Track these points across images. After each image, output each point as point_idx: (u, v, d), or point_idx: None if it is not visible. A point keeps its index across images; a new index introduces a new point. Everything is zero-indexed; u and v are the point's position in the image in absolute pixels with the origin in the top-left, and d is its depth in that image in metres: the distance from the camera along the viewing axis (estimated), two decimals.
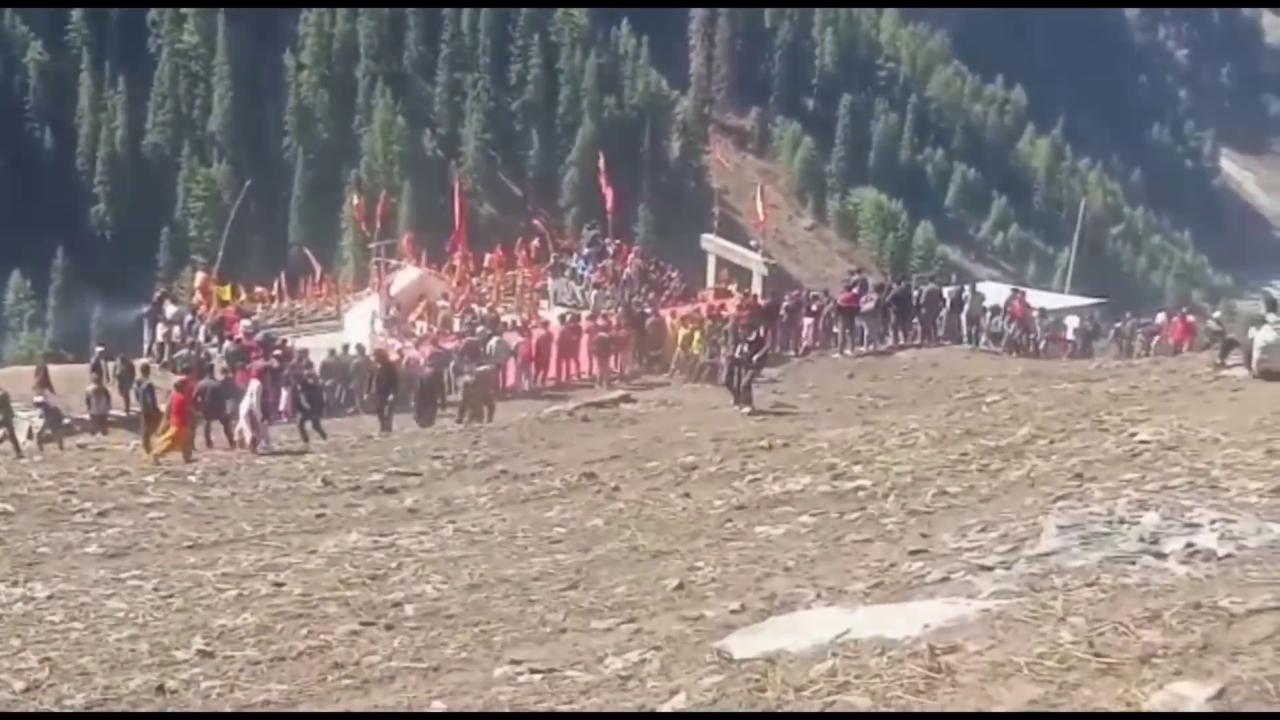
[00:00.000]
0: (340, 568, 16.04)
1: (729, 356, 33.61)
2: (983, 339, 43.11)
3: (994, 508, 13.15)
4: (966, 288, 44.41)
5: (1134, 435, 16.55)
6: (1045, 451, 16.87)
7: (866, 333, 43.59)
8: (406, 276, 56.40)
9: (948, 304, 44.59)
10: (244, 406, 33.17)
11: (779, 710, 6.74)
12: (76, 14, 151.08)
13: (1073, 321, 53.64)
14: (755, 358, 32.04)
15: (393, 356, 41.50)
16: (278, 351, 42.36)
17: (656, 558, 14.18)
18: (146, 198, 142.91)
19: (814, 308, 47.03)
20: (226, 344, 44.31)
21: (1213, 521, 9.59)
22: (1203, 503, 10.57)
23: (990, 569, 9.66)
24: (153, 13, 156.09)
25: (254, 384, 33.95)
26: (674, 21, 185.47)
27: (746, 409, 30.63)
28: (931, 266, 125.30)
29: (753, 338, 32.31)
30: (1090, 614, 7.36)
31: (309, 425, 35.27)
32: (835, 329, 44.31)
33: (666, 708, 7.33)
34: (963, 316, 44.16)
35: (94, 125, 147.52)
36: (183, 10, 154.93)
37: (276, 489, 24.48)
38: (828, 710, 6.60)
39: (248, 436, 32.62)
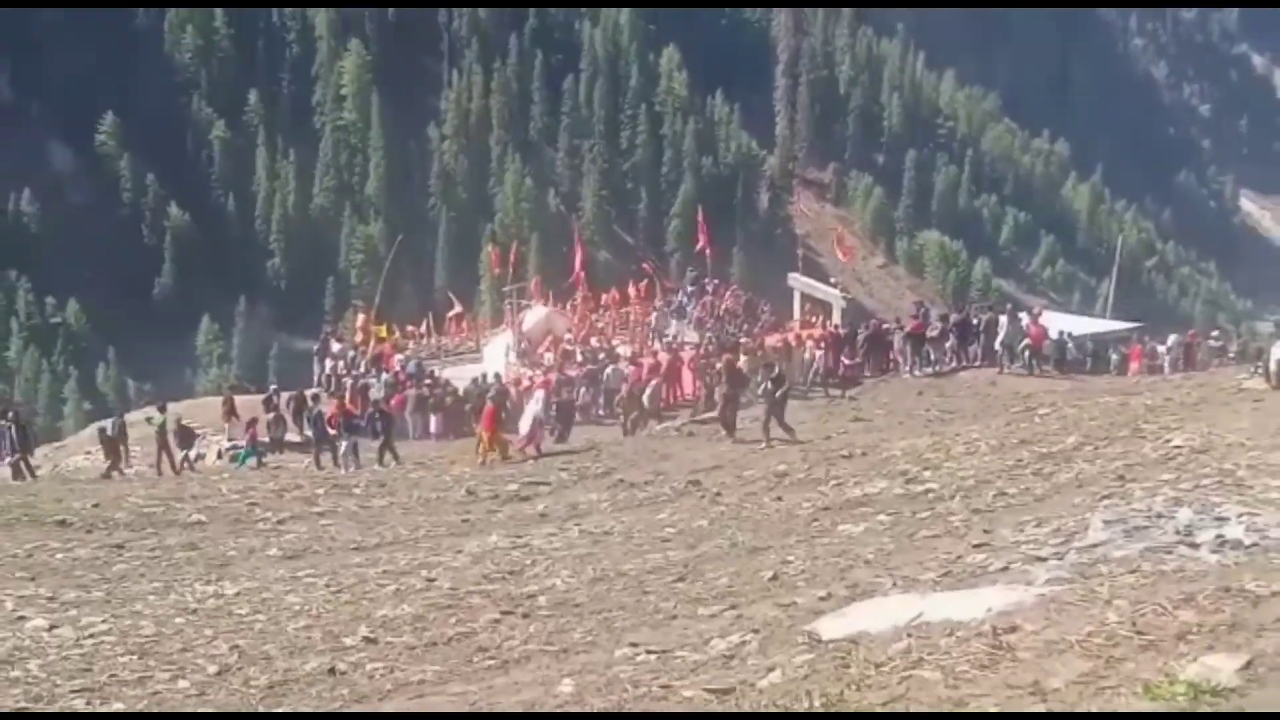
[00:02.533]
0: (483, 565, 16.11)
1: (725, 395, 31.88)
2: (1019, 362, 42.56)
3: (1047, 506, 13.02)
4: (1003, 317, 43.76)
5: (1169, 441, 16.35)
6: (1091, 456, 16.70)
7: (932, 356, 43.36)
8: (535, 315, 56.41)
9: (1002, 329, 44.19)
10: (529, 411, 34.20)
11: (856, 686, 6.73)
12: (253, 97, 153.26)
13: (1170, 340, 52.61)
14: (778, 393, 29.81)
15: (524, 383, 41.71)
16: (428, 381, 42.76)
17: (754, 553, 14.15)
18: (314, 252, 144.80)
19: (888, 336, 46.92)
20: (384, 375, 44.83)
21: (1239, 515, 9.46)
22: (1230, 499, 10.42)
23: (1044, 559, 9.57)
24: (317, 94, 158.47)
25: (539, 394, 35.28)
26: (761, 90, 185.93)
27: (763, 445, 28.15)
28: (988, 297, 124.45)
29: (775, 373, 30.58)
30: (1133, 597, 7.29)
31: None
32: (905, 353, 44.09)
33: (764, 683, 7.31)
34: (997, 343, 43.63)
35: (269, 192, 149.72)
36: (343, 91, 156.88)
37: (428, 498, 24.66)
38: (899, 688, 6.58)
39: (526, 436, 33.78)
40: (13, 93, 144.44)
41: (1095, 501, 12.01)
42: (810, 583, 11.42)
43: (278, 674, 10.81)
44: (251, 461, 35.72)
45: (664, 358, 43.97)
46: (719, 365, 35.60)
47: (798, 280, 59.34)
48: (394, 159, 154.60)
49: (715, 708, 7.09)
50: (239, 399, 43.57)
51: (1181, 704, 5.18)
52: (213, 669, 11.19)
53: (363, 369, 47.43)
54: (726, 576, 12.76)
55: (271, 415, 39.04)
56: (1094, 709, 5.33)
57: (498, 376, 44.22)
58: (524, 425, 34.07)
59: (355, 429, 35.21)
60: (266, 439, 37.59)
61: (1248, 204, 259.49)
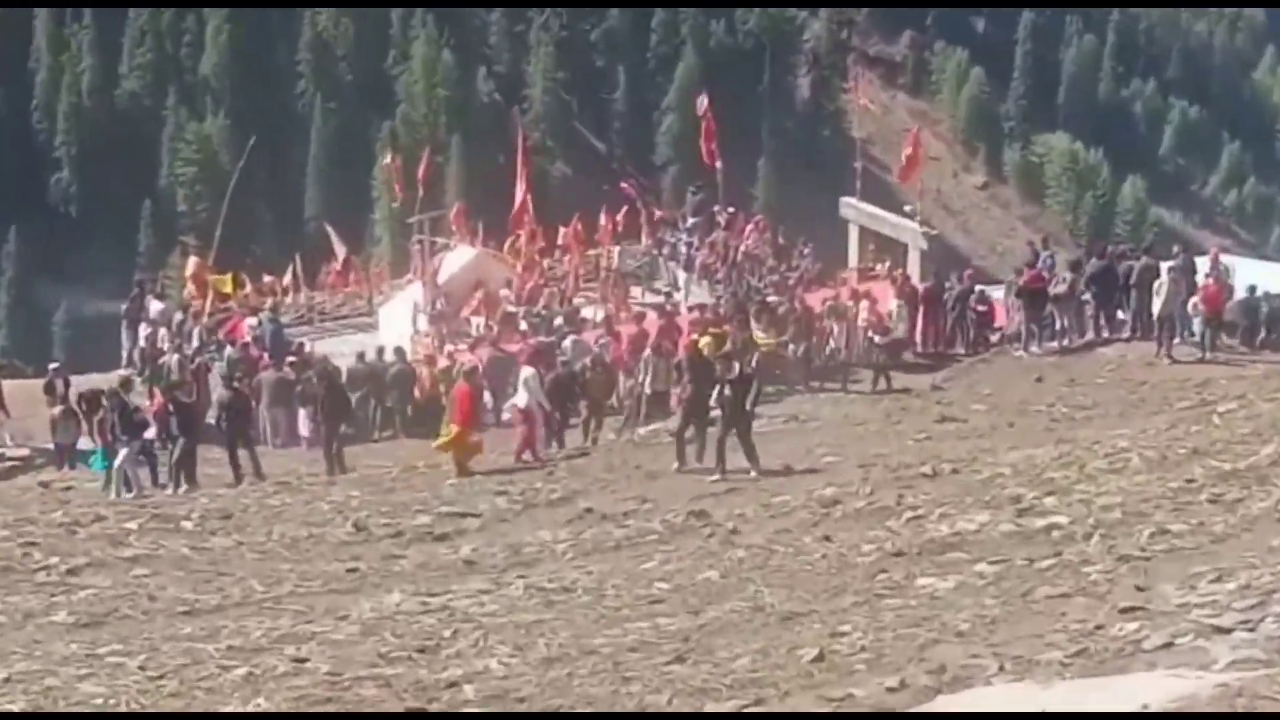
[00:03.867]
0: (379, 638, 16.15)
1: (681, 397, 31.58)
2: (1186, 332, 42.34)
3: (1232, 550, 13.10)
4: (1165, 265, 43.24)
5: None
6: None
7: (1058, 323, 43.31)
8: (458, 259, 56.21)
9: (1161, 287, 43.80)
10: (519, 399, 34.44)
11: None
12: None
13: None
14: (747, 400, 28.88)
15: (441, 362, 41.73)
16: (293, 358, 42.50)
17: (788, 620, 14.22)
18: (122, 162, 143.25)
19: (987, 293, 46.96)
20: (228, 350, 44.56)
21: None
22: None
23: (1228, 631, 9.63)
24: None
25: (527, 371, 35.18)
26: None
27: (715, 477, 27.60)
28: (1143, 235, 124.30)
29: (734, 374, 29.45)
30: None
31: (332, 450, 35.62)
32: (1016, 319, 44.04)
33: None
34: (1154, 307, 43.09)
35: (53, 71, 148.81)
36: None
37: (295, 536, 24.70)
38: None
39: (521, 437, 34.06)
40: None
41: None
42: (874, 665, 11.47)
43: None
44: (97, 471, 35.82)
45: (654, 323, 43.99)
46: (679, 353, 35.23)
47: (855, 208, 59.22)
48: (243, 22, 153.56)
49: None
50: (7, 385, 43.46)
51: None
52: None
53: (196, 341, 47.27)
54: (748, 656, 12.82)
55: (57, 410, 38.90)
56: None
57: (400, 352, 44.13)
58: (513, 417, 34.31)
59: (139, 428, 35.02)
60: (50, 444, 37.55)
61: None
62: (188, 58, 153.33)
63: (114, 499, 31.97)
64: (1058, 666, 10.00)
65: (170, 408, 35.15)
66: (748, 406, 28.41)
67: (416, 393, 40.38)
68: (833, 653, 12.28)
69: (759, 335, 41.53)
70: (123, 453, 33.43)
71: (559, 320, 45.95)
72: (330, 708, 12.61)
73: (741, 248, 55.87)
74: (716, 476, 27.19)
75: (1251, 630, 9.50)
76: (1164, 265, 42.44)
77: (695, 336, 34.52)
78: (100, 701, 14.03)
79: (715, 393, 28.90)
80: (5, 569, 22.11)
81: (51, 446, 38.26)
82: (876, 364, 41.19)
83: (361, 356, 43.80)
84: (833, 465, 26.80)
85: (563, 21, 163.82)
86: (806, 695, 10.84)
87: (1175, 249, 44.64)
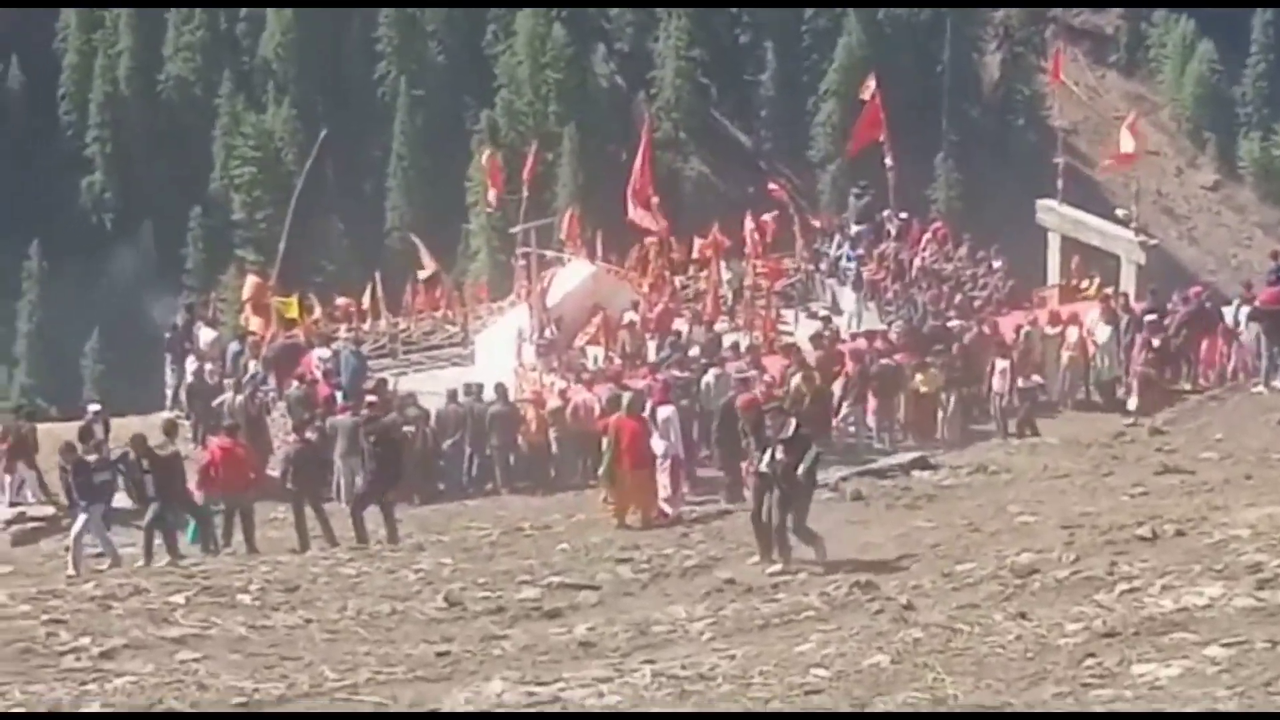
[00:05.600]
0: None
1: (753, 469, 29.21)
2: None
3: None
4: None
5: None
6: None
7: None
8: (571, 276, 56.29)
9: None
10: (656, 446, 35.05)
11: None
12: None
13: None
14: (800, 468, 27.19)
15: (552, 402, 41.86)
16: (372, 398, 42.45)
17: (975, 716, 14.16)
18: (167, 161, 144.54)
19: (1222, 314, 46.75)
20: (292, 387, 44.67)
21: None
22: None
23: None
24: None
25: (666, 410, 36.15)
26: None
27: (776, 565, 26.52)
28: None
29: (789, 433, 27.72)
30: None
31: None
32: (1257, 347, 43.82)
33: None
34: None
35: (84, 53, 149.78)
36: None
37: (375, 613, 24.79)
38: None
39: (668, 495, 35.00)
40: None
41: None
42: None
43: None
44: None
45: (811, 354, 44.02)
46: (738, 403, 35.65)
47: (1056, 212, 59.05)
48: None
49: None
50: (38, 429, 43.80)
51: None
52: None
53: (257, 376, 47.46)
54: None
55: (93, 459, 39.11)
56: None
57: (501, 390, 44.26)
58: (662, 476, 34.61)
59: (99, 492, 35.46)
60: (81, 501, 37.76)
61: None
62: (245, 35, 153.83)
63: (138, 566, 32.19)
64: None
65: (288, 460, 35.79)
66: (799, 474, 26.91)
67: (521, 439, 40.55)
68: None
69: (918, 378, 41.69)
70: (80, 520, 33.42)
71: (695, 350, 45.95)
72: None
73: (916, 261, 55.85)
74: (778, 565, 26.36)
75: None
76: None
77: (749, 394, 34.09)
78: None
79: (766, 457, 27.49)
80: (26, 651, 22.16)
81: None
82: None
83: (454, 395, 44.05)
84: (1029, 526, 26.71)
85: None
86: None
87: None
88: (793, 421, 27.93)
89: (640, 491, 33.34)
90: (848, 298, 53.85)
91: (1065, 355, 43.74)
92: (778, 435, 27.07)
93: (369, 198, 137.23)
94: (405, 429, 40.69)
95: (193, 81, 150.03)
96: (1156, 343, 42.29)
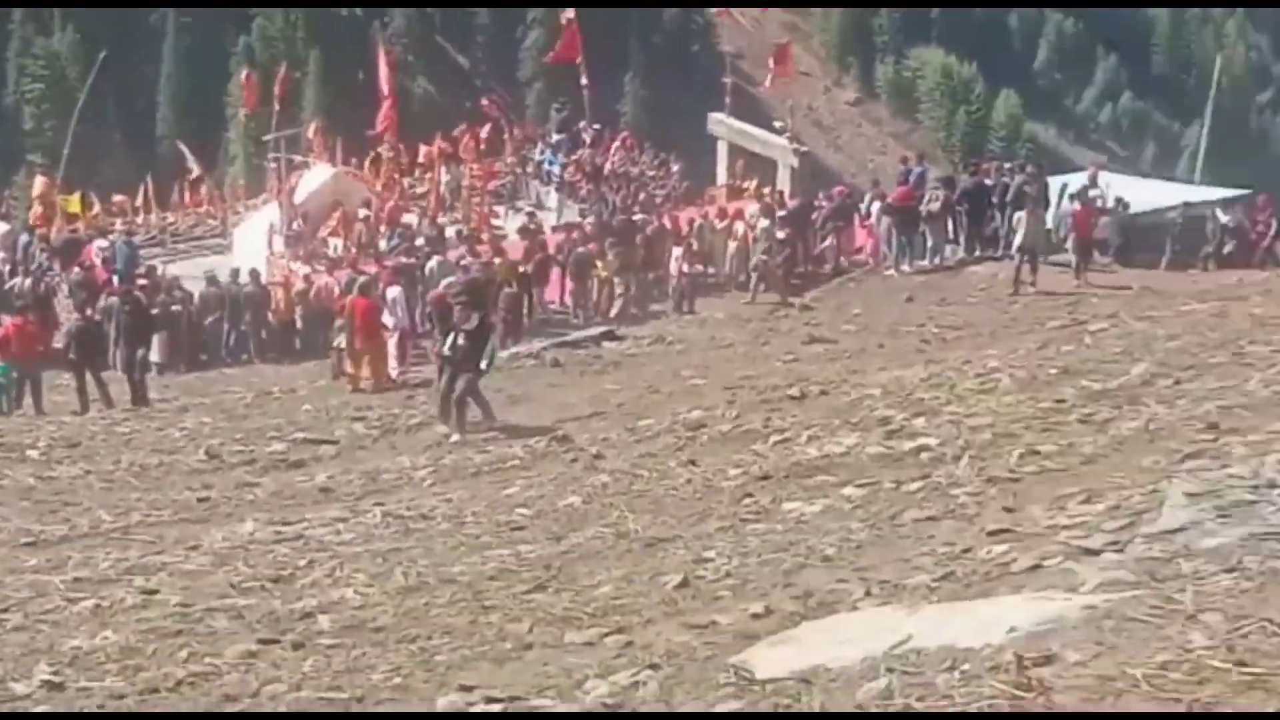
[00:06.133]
0: (231, 568, 16.04)
1: (436, 351, 28.92)
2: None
3: (1101, 471, 13.17)
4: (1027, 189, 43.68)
5: None
6: (1169, 396, 16.90)
7: (930, 241, 43.58)
8: (315, 178, 55.93)
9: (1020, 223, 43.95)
10: (386, 320, 35.37)
11: None
12: None
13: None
14: (477, 352, 26.91)
15: (298, 285, 41.58)
16: (143, 281, 42.08)
17: (652, 547, 14.21)
18: None
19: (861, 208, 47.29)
20: (74, 273, 44.08)
21: None
22: None
23: (1097, 553, 9.68)
24: None
25: (394, 290, 36.33)
26: None
27: (455, 435, 25.94)
28: (1016, 152, 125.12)
29: (473, 324, 27.34)
30: (1230, 609, 7.39)
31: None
32: (888, 237, 44.29)
33: None
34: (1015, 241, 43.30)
35: None
36: None
37: (145, 465, 24.60)
38: None
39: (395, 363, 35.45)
40: None
41: (1174, 464, 12.14)
42: (739, 592, 11.49)
43: None
44: None
45: (519, 244, 43.97)
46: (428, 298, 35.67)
47: (724, 124, 59.33)
48: None
49: None
50: None
51: None
52: None
53: (42, 263, 46.74)
54: (610, 584, 12.82)
55: None
56: None
57: (255, 274, 43.98)
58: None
59: None
60: None
61: None
62: None
63: None
64: (924, 590, 10.02)
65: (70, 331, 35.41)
66: (481, 363, 26.71)
67: (271, 316, 40.25)
68: (697, 579, 12.27)
69: (598, 264, 41.84)
70: None
71: (420, 240, 45.77)
72: (180, 640, 12.46)
73: (608, 165, 55.96)
74: (452, 435, 25.82)
75: (1120, 551, 9.54)
76: (1056, 181, 42.81)
77: (442, 289, 33.74)
78: None
79: (449, 341, 27.23)
80: None
81: None
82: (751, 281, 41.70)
83: (214, 279, 43.61)
84: (698, 388, 26.85)
85: None
86: (670, 622, 10.82)
87: (1027, 172, 44.71)
88: (475, 316, 27.49)
89: (373, 360, 33.30)
90: (551, 197, 53.83)
91: (731, 244, 43.94)
92: (461, 325, 26.81)
93: (142, 111, 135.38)
94: (173, 308, 40.38)
95: None
96: (781, 235, 42.63)
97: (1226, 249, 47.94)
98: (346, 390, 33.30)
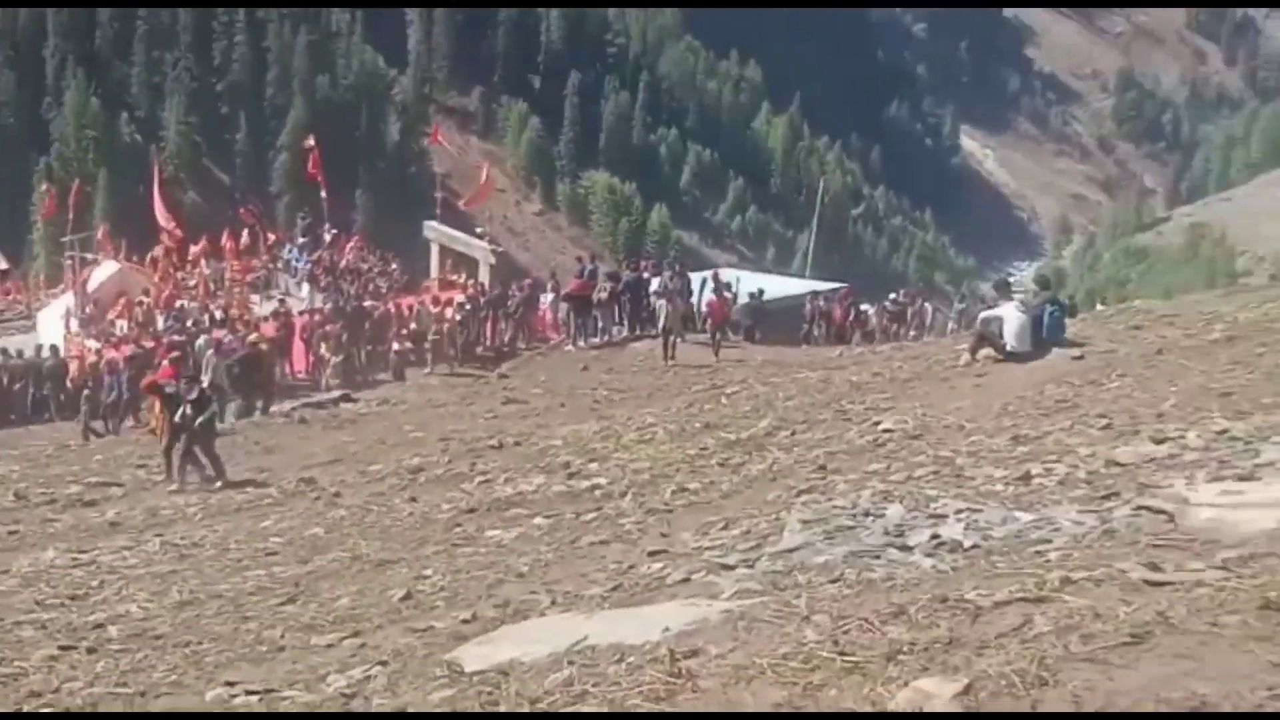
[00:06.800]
0: (36, 588, 15.73)
1: (167, 422, 27.45)
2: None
3: (736, 504, 13.33)
4: (659, 286, 44.45)
5: (878, 424, 16.93)
6: (787, 444, 17.18)
7: (600, 323, 43.86)
8: (104, 271, 55.20)
9: (662, 312, 44.58)
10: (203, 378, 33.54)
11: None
12: None
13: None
14: (199, 420, 26.36)
15: (90, 358, 40.82)
16: None
17: (381, 567, 14.14)
18: None
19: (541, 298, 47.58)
20: None
21: (958, 512, 9.82)
22: (948, 492, 10.82)
23: (732, 568, 9.76)
24: None
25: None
26: None
27: (173, 487, 25.20)
28: (667, 252, 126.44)
29: (195, 395, 27.08)
30: (835, 611, 7.48)
31: None
32: (567, 320, 44.52)
33: None
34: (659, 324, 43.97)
35: None
36: None
37: None
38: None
39: None
40: None
41: (792, 497, 12.33)
42: (451, 602, 11.46)
43: None
44: None
45: (270, 326, 43.50)
46: (141, 386, 32.56)
47: (436, 230, 59.17)
48: None
49: None
50: None
51: None
52: None
53: None
54: (347, 597, 12.73)
55: None
56: None
57: (54, 350, 43.32)
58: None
59: None
60: None
61: (969, 142, 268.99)
62: None
63: None
64: (599, 599, 10.05)
65: None
66: (198, 424, 25.93)
67: (69, 383, 39.44)
68: (418, 592, 12.24)
69: (322, 344, 41.77)
70: None
71: (190, 321, 45.24)
72: None
73: (343, 262, 55.75)
74: (175, 487, 24.97)
75: (750, 567, 9.64)
76: (697, 276, 43.41)
77: (152, 376, 32.43)
78: None
79: (179, 412, 26.22)
80: None
81: None
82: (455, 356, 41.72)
83: (21, 354, 42.96)
84: (419, 439, 26.75)
85: (193, 74, 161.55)
86: (396, 627, 10.79)
87: (667, 271, 45.22)
88: (198, 387, 27.22)
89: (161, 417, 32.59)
90: (298, 287, 53.36)
91: (444, 324, 43.83)
92: (187, 397, 26.06)
93: None
94: None
95: None
96: (459, 317, 43.18)
97: (818, 329, 49.60)
98: (133, 440, 32.73)
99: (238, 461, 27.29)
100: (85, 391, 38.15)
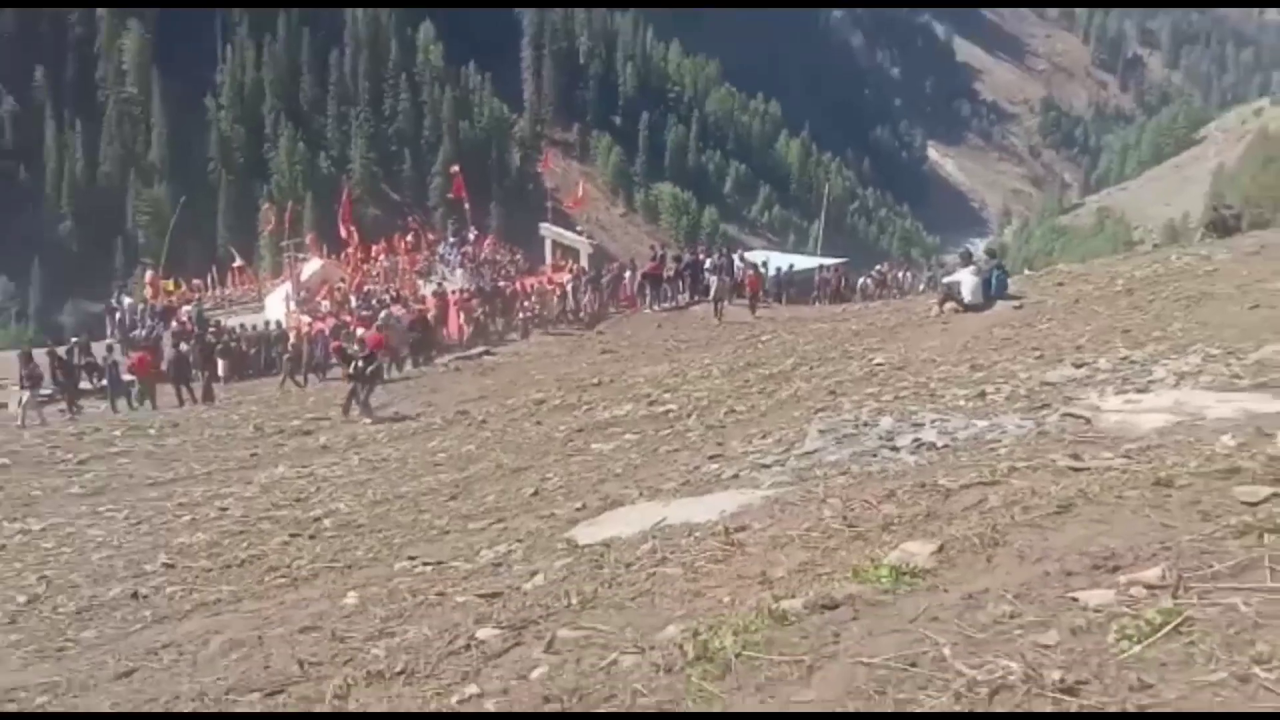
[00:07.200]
0: (271, 494, 15.85)
1: (346, 374, 27.98)
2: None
3: (770, 420, 13.26)
4: (709, 268, 44.53)
5: (872, 360, 16.80)
6: (807, 376, 17.06)
7: (669, 293, 43.86)
8: (312, 266, 55.48)
9: (712, 285, 44.58)
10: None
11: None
12: (39, 73, 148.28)
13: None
14: (369, 371, 26.97)
15: (304, 328, 41.04)
16: (212, 329, 41.60)
17: (516, 472, 14.14)
18: (103, 215, 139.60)
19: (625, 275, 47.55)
20: (173, 325, 43.37)
21: (932, 421, 9.77)
22: (924, 408, 10.75)
23: (769, 466, 9.73)
24: (100, 70, 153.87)
25: (360, 331, 33.24)
26: (510, 61, 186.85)
27: (367, 419, 25.33)
28: (715, 241, 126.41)
29: (367, 354, 27.40)
30: (844, 495, 7.46)
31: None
32: (645, 291, 44.51)
33: (528, 586, 7.32)
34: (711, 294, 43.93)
35: (58, 161, 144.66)
36: (124, 67, 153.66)
37: (219, 435, 24.15)
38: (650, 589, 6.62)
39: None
40: None
41: (810, 414, 12.26)
42: (567, 496, 11.46)
43: (84, 600, 10.50)
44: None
45: (431, 301, 43.59)
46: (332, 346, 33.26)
47: (549, 229, 59.12)
48: (175, 128, 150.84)
49: (485, 610, 7.09)
50: (37, 352, 41.71)
51: (885, 584, 5.32)
52: (22, 599, 10.82)
53: (150, 321, 45.82)
54: (493, 494, 12.75)
55: (78, 364, 37.61)
56: (812, 593, 5.44)
57: (278, 324, 43.59)
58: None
59: (35, 380, 32.93)
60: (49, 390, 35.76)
61: (934, 153, 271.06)
62: (141, 150, 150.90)
63: (112, 416, 30.97)
64: (673, 491, 10.03)
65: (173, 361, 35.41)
66: (367, 374, 26.45)
67: (289, 347, 39.63)
68: (544, 490, 12.24)
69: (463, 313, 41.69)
70: (25, 395, 31.33)
71: (375, 301, 45.36)
72: (242, 538, 12.32)
73: (482, 254, 55.78)
74: (368, 420, 24.93)
75: (782, 465, 9.61)
76: (710, 268, 43.26)
77: (339, 342, 31.73)
78: (100, 539, 13.60)
79: (353, 367, 26.59)
80: (38, 462, 21.40)
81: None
82: (567, 319, 41.75)
83: (255, 327, 43.37)
84: (540, 381, 26.72)
85: (370, 123, 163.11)
86: (528, 515, 10.79)
87: (718, 259, 44.99)
88: (367, 350, 27.25)
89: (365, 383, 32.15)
90: (453, 274, 53.37)
91: (555, 297, 43.72)
92: (360, 356, 26.38)
93: (208, 231, 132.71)
94: (230, 344, 39.74)
95: (114, 174, 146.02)
96: (567, 291, 43.30)
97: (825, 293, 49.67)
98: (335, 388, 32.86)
99: (412, 399, 27.42)
100: (289, 354, 38.19)
